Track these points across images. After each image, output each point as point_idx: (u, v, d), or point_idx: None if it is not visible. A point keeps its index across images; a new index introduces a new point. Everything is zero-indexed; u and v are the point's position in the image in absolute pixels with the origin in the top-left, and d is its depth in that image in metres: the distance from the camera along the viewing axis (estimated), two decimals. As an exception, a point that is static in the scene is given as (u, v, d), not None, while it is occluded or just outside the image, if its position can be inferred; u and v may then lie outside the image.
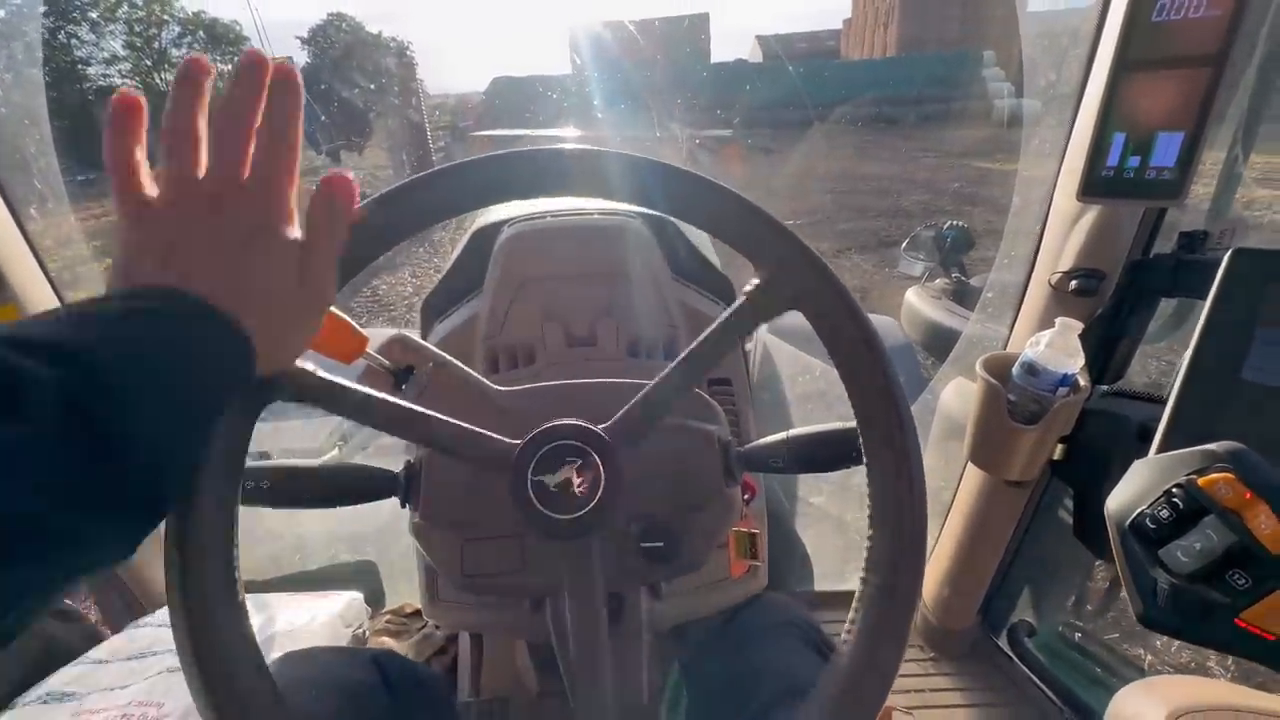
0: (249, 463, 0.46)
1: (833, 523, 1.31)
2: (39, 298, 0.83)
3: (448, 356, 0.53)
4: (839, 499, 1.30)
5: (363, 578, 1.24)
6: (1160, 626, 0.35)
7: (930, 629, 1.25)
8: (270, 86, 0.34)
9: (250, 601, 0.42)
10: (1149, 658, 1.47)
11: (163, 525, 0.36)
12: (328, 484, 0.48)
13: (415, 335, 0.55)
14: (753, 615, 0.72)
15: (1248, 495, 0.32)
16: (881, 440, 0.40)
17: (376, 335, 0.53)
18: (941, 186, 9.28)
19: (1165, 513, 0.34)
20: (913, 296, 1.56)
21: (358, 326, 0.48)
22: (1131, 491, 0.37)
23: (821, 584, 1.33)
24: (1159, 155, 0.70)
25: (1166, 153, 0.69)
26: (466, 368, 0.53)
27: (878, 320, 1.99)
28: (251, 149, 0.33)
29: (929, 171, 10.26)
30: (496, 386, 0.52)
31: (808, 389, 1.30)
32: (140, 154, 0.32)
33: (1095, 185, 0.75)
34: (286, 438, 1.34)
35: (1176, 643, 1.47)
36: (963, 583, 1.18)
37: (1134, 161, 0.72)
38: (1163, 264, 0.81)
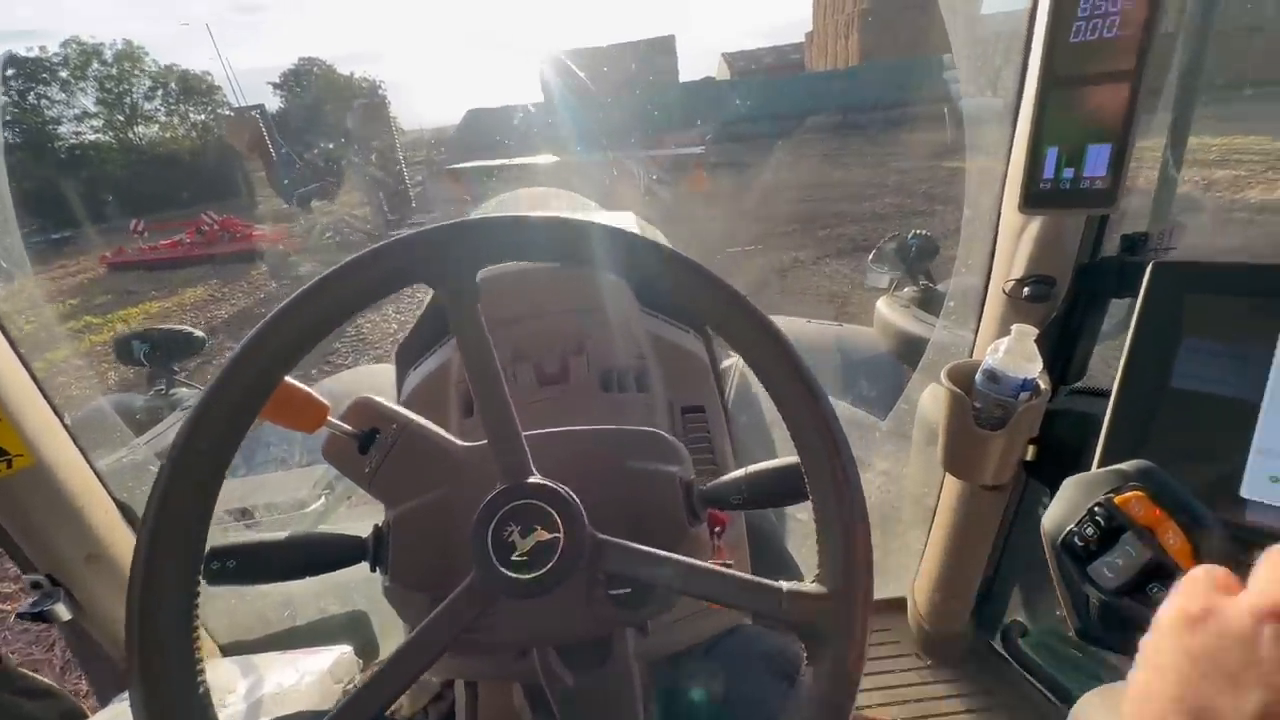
0: (215, 543, 0.47)
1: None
2: (8, 372, 0.83)
3: (412, 416, 0.54)
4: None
5: (355, 629, 1.23)
6: (1095, 640, 0.36)
7: (925, 635, 1.25)
8: None
9: (237, 664, 0.42)
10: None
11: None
12: (295, 556, 0.48)
13: (381, 396, 0.55)
14: (730, 646, 0.73)
15: (1157, 513, 0.33)
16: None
17: (372, 386, 0.54)
18: (912, 188, 9.45)
19: (1090, 530, 0.35)
20: (883, 306, 1.59)
21: (317, 395, 0.49)
22: (1062, 510, 0.38)
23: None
24: (1091, 166, 0.73)
25: (1097, 163, 0.73)
26: (431, 426, 0.53)
27: (856, 332, 2.02)
28: None
29: (899, 175, 10.46)
30: (461, 443, 0.52)
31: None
32: None
33: (1034, 197, 0.78)
34: (269, 490, 1.33)
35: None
36: (953, 587, 1.19)
37: (1069, 173, 0.75)
38: (1108, 267, 0.85)
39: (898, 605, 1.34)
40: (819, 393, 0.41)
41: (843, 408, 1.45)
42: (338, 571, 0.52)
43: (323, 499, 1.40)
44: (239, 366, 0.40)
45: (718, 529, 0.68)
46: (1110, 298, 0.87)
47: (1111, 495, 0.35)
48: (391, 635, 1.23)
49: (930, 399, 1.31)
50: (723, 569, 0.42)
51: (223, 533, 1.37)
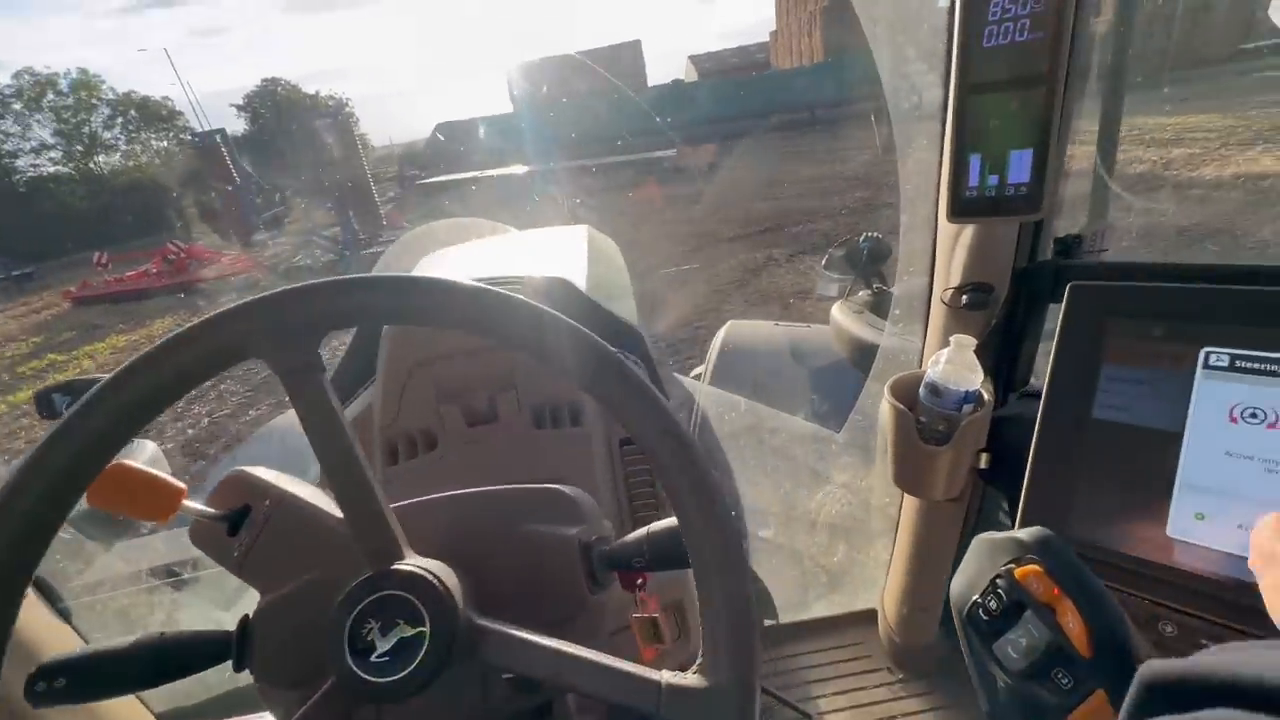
0: (44, 660, 0.42)
1: (785, 554, 1.29)
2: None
3: (292, 488, 0.49)
4: (788, 530, 1.29)
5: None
6: (1003, 728, 0.33)
7: (895, 648, 1.23)
8: None
9: None
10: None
11: None
12: (142, 665, 0.43)
13: (261, 469, 0.51)
14: None
15: (1055, 591, 0.30)
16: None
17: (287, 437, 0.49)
18: (879, 180, 9.52)
19: (994, 604, 0.32)
20: (837, 312, 1.56)
21: (169, 478, 0.44)
22: (968, 575, 0.35)
23: (785, 615, 1.31)
24: (1014, 172, 0.71)
25: (1020, 169, 0.70)
26: (311, 497, 0.49)
27: (821, 333, 2.00)
28: None
29: (867, 167, 10.55)
30: (338, 513, 0.48)
31: (735, 426, 1.29)
32: None
33: (962, 206, 0.76)
34: (181, 548, 1.25)
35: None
36: (919, 599, 1.16)
37: (993, 180, 0.73)
38: (1044, 271, 0.83)
39: (868, 617, 1.31)
40: (697, 455, 0.38)
41: (797, 423, 1.42)
42: None
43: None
44: (46, 456, 0.36)
45: (640, 581, 0.64)
46: (1048, 302, 0.85)
47: (1012, 566, 0.32)
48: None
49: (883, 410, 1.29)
50: (597, 659, 0.38)
51: (148, 593, 1.30)
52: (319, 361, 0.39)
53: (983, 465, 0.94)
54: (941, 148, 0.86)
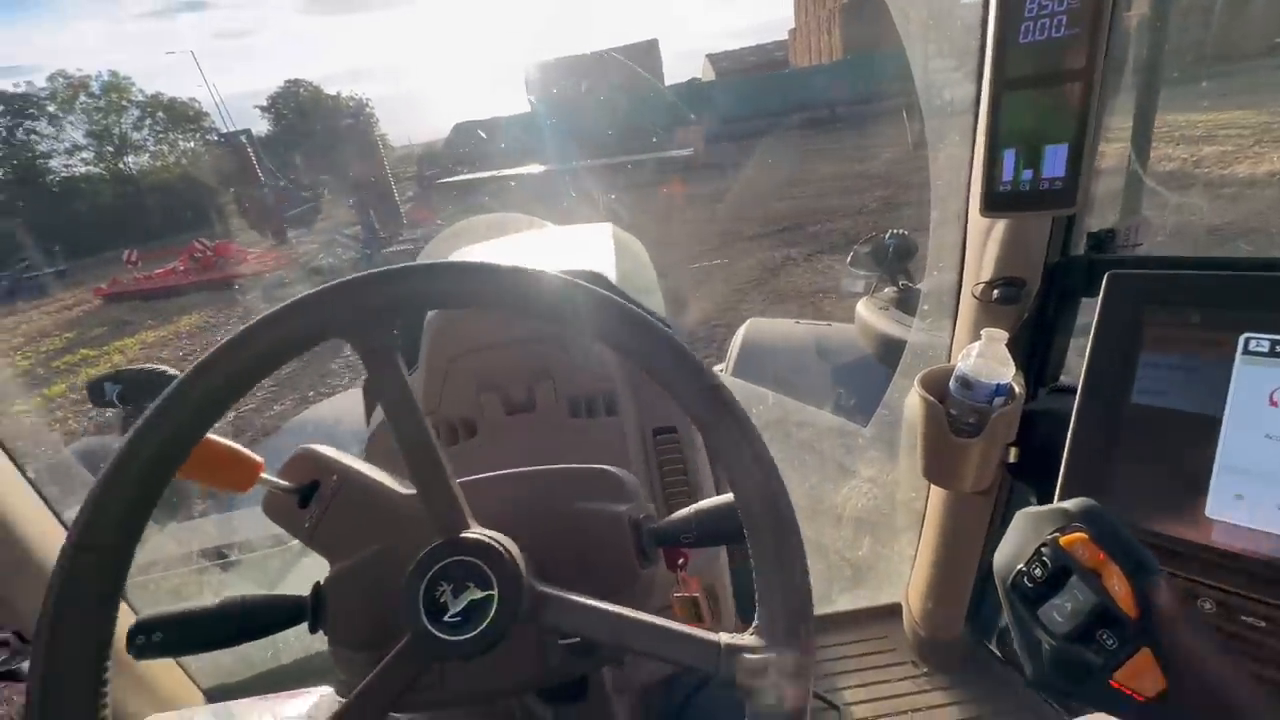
0: (141, 616, 0.46)
1: (811, 547, 1.29)
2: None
3: (354, 465, 0.52)
4: (814, 522, 1.30)
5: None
6: (1047, 688, 0.34)
7: (920, 642, 1.23)
8: None
9: (212, 711, 0.40)
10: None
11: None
12: (228, 623, 0.47)
13: (326, 447, 0.54)
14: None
15: (1101, 556, 0.32)
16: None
17: (322, 428, 0.53)
18: (902, 179, 9.43)
19: (1039, 571, 0.34)
20: (862, 309, 1.57)
21: (248, 451, 0.48)
22: (1012, 547, 0.37)
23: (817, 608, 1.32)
24: (1049, 167, 0.72)
25: (1055, 164, 0.71)
26: (374, 474, 0.52)
27: (842, 332, 2.00)
28: None
29: (888, 165, 10.45)
30: (404, 491, 0.51)
31: (764, 419, 1.30)
32: None
33: (995, 200, 0.76)
34: (249, 527, 1.31)
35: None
36: (945, 593, 1.17)
37: (1027, 174, 0.73)
38: (1077, 266, 0.83)
39: (893, 611, 1.32)
40: (753, 429, 0.40)
41: (824, 417, 1.43)
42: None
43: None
44: (151, 428, 0.39)
45: (681, 561, 0.66)
46: (1081, 297, 0.85)
47: (1057, 535, 0.34)
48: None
49: (912, 403, 1.29)
50: (657, 622, 0.40)
51: (199, 574, 1.36)
52: (396, 342, 0.42)
53: (1011, 459, 0.95)
54: (973, 143, 0.87)
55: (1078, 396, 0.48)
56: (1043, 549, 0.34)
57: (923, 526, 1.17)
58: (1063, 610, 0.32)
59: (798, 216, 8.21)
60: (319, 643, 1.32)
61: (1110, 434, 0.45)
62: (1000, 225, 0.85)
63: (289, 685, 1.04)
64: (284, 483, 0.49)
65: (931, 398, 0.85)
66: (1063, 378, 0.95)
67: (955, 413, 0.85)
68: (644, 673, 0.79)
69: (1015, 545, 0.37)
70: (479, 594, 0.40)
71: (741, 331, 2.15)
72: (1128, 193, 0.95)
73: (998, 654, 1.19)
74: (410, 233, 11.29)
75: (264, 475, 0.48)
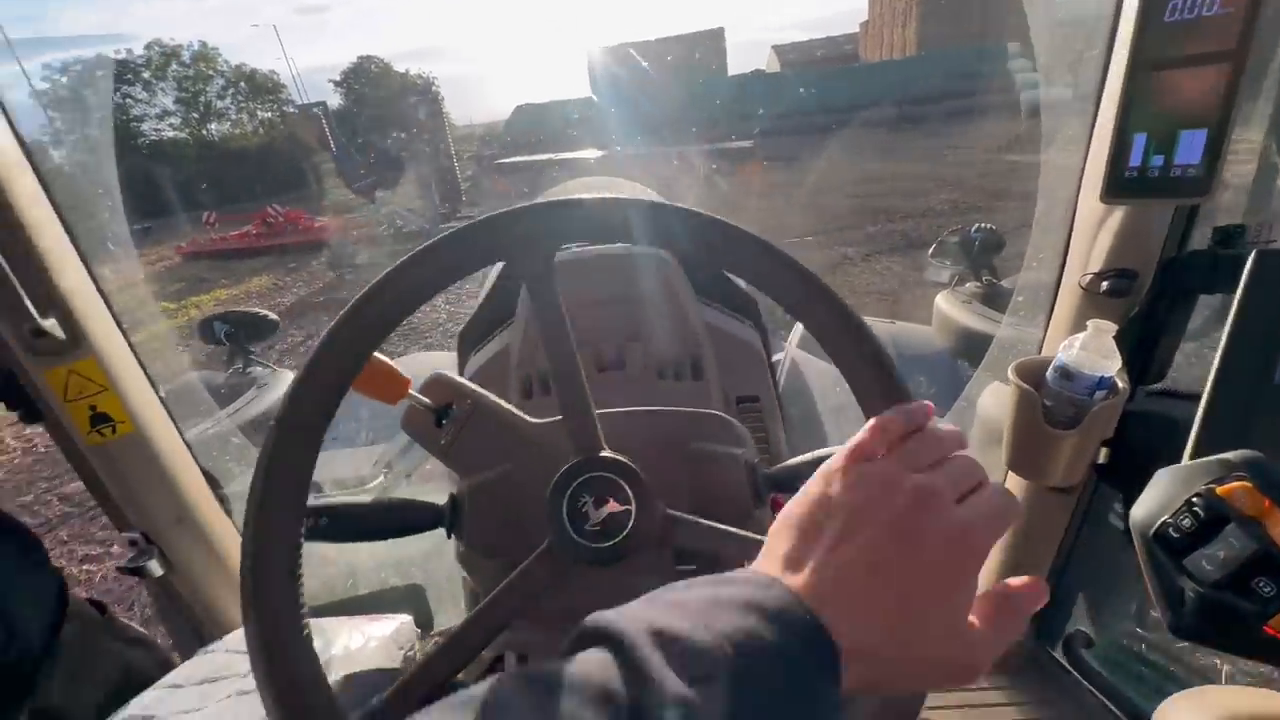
0: (311, 501, 0.50)
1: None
2: (115, 348, 0.91)
3: (484, 393, 0.56)
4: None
5: (411, 601, 1.28)
6: (1189, 635, 0.34)
7: (980, 641, 1.22)
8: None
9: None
10: (1225, 667, 1.39)
11: (237, 556, 0.40)
12: (379, 519, 0.51)
13: (453, 373, 0.58)
14: None
15: (1266, 504, 0.32)
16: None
17: (416, 372, 0.57)
18: (972, 183, 9.09)
19: (1188, 521, 0.34)
20: (942, 302, 1.53)
21: (400, 369, 0.52)
22: (1154, 501, 0.37)
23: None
24: (1183, 153, 0.69)
25: (1190, 150, 0.69)
26: (502, 402, 0.55)
27: (909, 330, 1.97)
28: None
29: (957, 168, 10.07)
30: (531, 419, 0.54)
31: (840, 401, 1.29)
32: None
33: (1119, 186, 0.74)
34: (334, 467, 1.40)
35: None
36: (1012, 593, 1.15)
37: (1157, 160, 0.71)
38: (1198, 260, 0.80)
39: (951, 609, 1.30)
40: (897, 379, 0.41)
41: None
42: (397, 547, 0.54)
43: (383, 476, 1.46)
44: (336, 338, 0.43)
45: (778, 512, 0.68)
46: (1199, 293, 0.82)
47: (1213, 486, 0.34)
48: (447, 608, 1.28)
49: (991, 398, 1.26)
50: None
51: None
52: (553, 269, 0.45)
53: (1100, 459, 0.93)
54: (1091, 128, 0.84)
55: (1212, 371, 0.47)
56: (1194, 499, 0.34)
57: (993, 524, 1.15)
58: (1214, 559, 0.32)
59: (857, 215, 8.02)
60: (394, 577, 1.40)
61: (1245, 412, 0.44)
62: (1116, 214, 0.82)
63: (365, 612, 1.12)
64: (426, 400, 0.53)
65: (1027, 386, 0.84)
66: (1168, 382, 0.92)
67: (1051, 404, 0.83)
68: None
69: (1159, 498, 0.37)
70: (618, 508, 0.43)
71: (799, 327, 2.12)
72: (1257, 186, 0.90)
73: (1063, 661, 1.16)
74: (468, 210, 11.54)
75: (411, 393, 0.52)
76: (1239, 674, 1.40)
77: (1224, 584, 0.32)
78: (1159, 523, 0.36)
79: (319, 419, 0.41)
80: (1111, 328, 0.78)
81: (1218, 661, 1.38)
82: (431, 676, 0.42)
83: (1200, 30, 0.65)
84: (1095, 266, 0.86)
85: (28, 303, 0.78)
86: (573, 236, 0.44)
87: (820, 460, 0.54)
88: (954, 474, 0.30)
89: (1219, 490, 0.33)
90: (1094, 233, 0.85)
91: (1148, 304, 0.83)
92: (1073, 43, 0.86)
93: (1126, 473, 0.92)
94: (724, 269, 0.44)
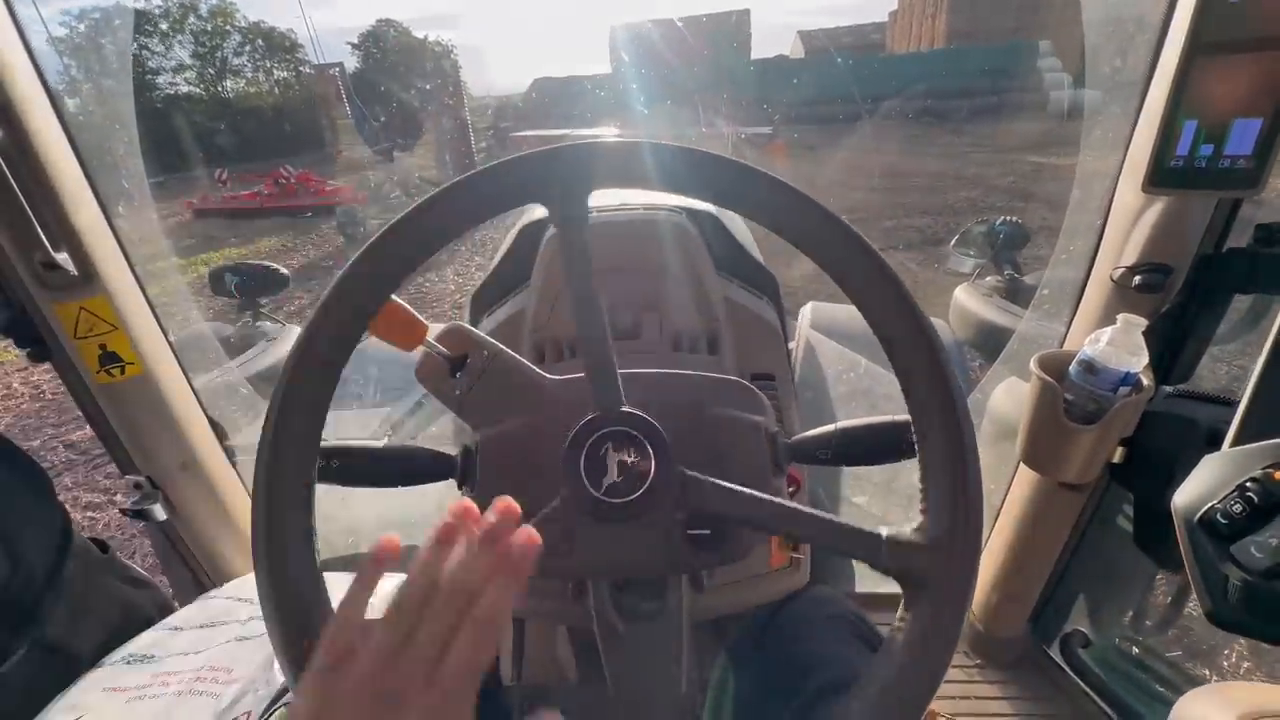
0: (325, 444, 0.49)
1: (876, 522, 1.28)
2: (126, 289, 0.90)
3: (501, 346, 0.55)
4: (882, 499, 1.28)
5: (412, 560, 1.29)
6: (1231, 625, 0.33)
7: (977, 636, 1.22)
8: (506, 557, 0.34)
9: None
10: (1214, 678, 1.39)
11: (249, 500, 0.39)
12: (391, 465, 0.50)
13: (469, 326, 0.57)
14: (802, 607, 0.72)
15: None
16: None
17: (433, 326, 0.56)
18: (993, 182, 8.94)
19: (1239, 507, 0.32)
20: (962, 294, 1.51)
21: (419, 316, 0.50)
22: (1201, 486, 0.35)
23: (864, 585, 1.31)
24: (1234, 143, 0.67)
25: (1242, 140, 0.66)
26: (519, 357, 0.54)
27: None
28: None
29: (979, 167, 9.90)
30: (548, 375, 0.53)
31: (853, 386, 1.28)
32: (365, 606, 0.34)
33: (1163, 175, 0.72)
34: (341, 426, 1.39)
35: (1250, 660, 1.39)
36: (1012, 589, 1.14)
37: (1206, 150, 0.69)
38: (1239, 258, 0.77)
39: (948, 601, 1.30)
40: (935, 339, 0.40)
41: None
42: (400, 506, 0.53)
43: (388, 438, 1.45)
44: (355, 274, 0.41)
45: (791, 489, 0.67)
46: (1234, 293, 0.80)
47: (1271, 470, 0.32)
48: (445, 571, 1.28)
49: (1005, 392, 1.25)
50: (820, 513, 0.41)
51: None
52: (586, 212, 0.43)
53: (1116, 458, 0.91)
54: (1136, 115, 0.81)
55: (1260, 364, 0.45)
56: (1248, 484, 0.33)
57: (998, 516, 1.14)
58: (1265, 546, 0.31)
59: (873, 209, 7.91)
60: (399, 535, 1.41)
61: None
62: (1155, 206, 0.80)
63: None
64: (443, 348, 0.52)
65: (1049, 378, 0.82)
66: (1192, 383, 0.90)
67: (1072, 398, 0.82)
68: (716, 605, 0.81)
69: (1205, 483, 0.36)
70: (637, 463, 0.41)
71: (807, 312, 2.10)
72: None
73: (1058, 659, 1.16)
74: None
75: (428, 340, 0.51)
76: (1232, 676, 1.40)
77: (1275, 573, 0.31)
78: (1206, 508, 0.34)
79: (337, 354, 0.40)
80: (1141, 323, 0.76)
81: (1207, 672, 1.38)
82: None
83: (1267, 11, 0.62)
84: (1129, 260, 0.83)
85: (41, 234, 0.77)
86: (610, 180, 0.43)
87: (842, 432, 0.53)
88: (433, 638, 0.31)
89: (1277, 475, 0.32)
90: (1130, 225, 0.83)
91: (1180, 301, 0.81)
92: (1124, 26, 0.83)
93: (1142, 473, 0.91)
94: (764, 224, 0.43)
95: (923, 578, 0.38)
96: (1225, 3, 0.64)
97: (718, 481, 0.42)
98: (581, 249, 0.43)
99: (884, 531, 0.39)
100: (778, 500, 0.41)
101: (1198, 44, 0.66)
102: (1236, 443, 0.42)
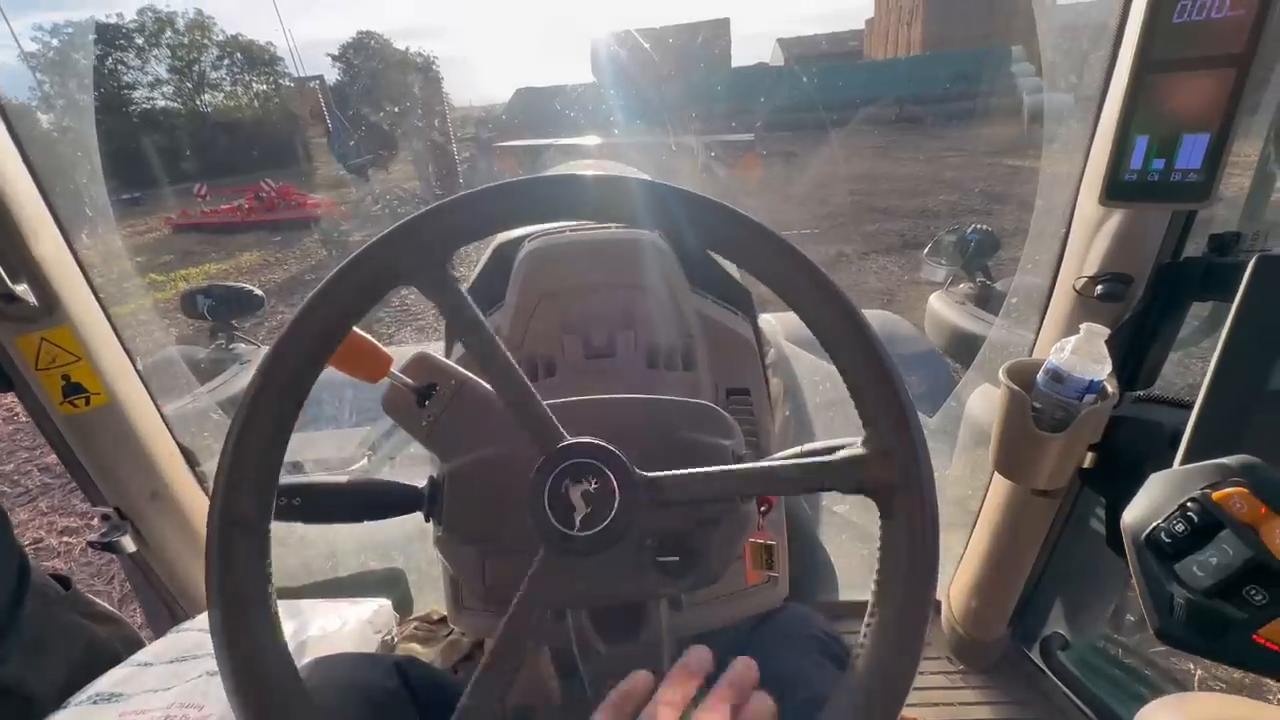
0: (282, 480, 0.49)
1: (856, 532, 1.30)
2: (90, 318, 0.88)
3: (468, 374, 0.54)
4: (861, 508, 1.29)
5: (391, 585, 1.27)
6: (1177, 642, 0.34)
7: (958, 640, 1.23)
8: None
9: (284, 607, 0.43)
10: (1199, 672, 1.41)
11: (204, 538, 0.38)
12: (355, 500, 0.50)
13: (438, 353, 0.56)
14: (775, 626, 0.73)
15: (1263, 510, 0.31)
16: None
17: (400, 354, 0.55)
18: (969, 185, 9.09)
19: (1181, 527, 0.33)
20: (936, 302, 1.53)
21: (382, 347, 0.50)
22: (1147, 505, 0.36)
23: (845, 594, 1.32)
24: (1184, 157, 0.69)
25: (1192, 155, 0.68)
26: (485, 385, 0.54)
27: (902, 327, 1.96)
28: None
29: (955, 170, 10.07)
30: None
31: (829, 397, 1.29)
32: None
33: (1119, 189, 0.74)
34: (318, 447, 1.38)
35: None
36: (991, 593, 1.15)
37: (1158, 164, 0.70)
38: (1193, 267, 0.79)
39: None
40: (820, 274, 0.40)
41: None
42: (378, 530, 0.53)
43: (366, 459, 1.45)
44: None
45: (763, 508, 0.67)
46: (1192, 300, 0.82)
47: (1208, 491, 0.33)
48: (426, 593, 1.27)
49: (981, 399, 1.27)
50: (772, 463, 0.41)
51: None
52: (453, 275, 0.42)
53: (1086, 464, 0.93)
54: (1093, 129, 0.83)
55: (1207, 377, 0.46)
56: (1189, 504, 0.33)
57: (975, 523, 1.16)
58: (1205, 565, 0.32)
59: (855, 213, 8.01)
60: (374, 560, 1.39)
61: (1239, 418, 0.44)
62: (1114, 218, 0.82)
63: (343, 595, 1.11)
64: (408, 379, 0.52)
65: (1017, 387, 0.83)
66: (1156, 389, 0.92)
67: (1040, 406, 0.83)
68: (696, 621, 0.81)
69: (1151, 502, 0.36)
70: (599, 487, 0.41)
71: (772, 320, 2.11)
72: (1253, 194, 0.90)
73: (1038, 662, 1.17)
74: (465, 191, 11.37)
75: (393, 371, 0.51)
76: (1211, 680, 1.42)
77: (1215, 591, 0.32)
78: (1151, 527, 0.35)
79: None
80: (1104, 331, 0.77)
81: (1191, 666, 1.40)
82: (495, 684, 0.41)
83: (1209, 32, 0.64)
84: (1091, 270, 0.85)
85: (-2, 266, 0.75)
86: (473, 234, 0.42)
87: (810, 454, 0.53)
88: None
89: (1214, 495, 0.33)
90: (1091, 235, 0.85)
91: (1140, 310, 0.83)
92: (1079, 43, 0.85)
93: (1111, 478, 0.92)
94: (632, 224, 0.43)
95: (884, 482, 0.39)
96: (1169, 24, 0.66)
97: (676, 471, 0.42)
98: (472, 314, 0.42)
99: (837, 455, 0.40)
100: (738, 466, 0.41)
101: (1146, 63, 0.68)
102: (1189, 455, 0.43)
